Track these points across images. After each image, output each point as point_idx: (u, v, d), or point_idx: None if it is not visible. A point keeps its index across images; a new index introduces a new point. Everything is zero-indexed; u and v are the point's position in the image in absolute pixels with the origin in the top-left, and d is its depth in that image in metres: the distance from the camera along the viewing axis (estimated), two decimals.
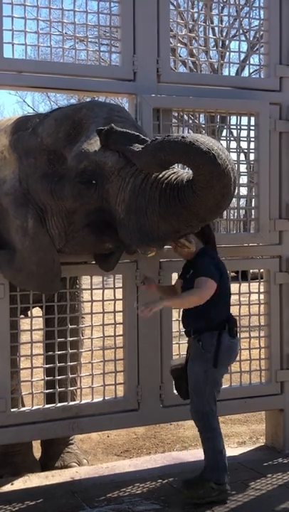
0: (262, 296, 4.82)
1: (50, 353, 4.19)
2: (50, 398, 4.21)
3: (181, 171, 3.44)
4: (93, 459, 5.14)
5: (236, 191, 4.15)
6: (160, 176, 3.39)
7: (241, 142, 4.76)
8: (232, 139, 4.76)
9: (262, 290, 4.81)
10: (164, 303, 3.74)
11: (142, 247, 3.56)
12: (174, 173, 3.40)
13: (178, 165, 3.57)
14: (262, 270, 4.90)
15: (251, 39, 5.15)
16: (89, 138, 3.53)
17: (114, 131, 3.41)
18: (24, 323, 4.42)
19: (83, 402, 4.26)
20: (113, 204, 3.49)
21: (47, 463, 4.77)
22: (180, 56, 5.20)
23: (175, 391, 4.12)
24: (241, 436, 5.62)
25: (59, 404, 4.16)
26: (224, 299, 3.84)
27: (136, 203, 3.41)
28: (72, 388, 4.31)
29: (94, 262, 4.03)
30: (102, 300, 4.32)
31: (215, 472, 3.77)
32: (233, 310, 4.64)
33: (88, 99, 4.63)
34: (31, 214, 3.68)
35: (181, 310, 4.02)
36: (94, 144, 3.50)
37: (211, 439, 3.80)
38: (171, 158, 3.28)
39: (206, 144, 3.14)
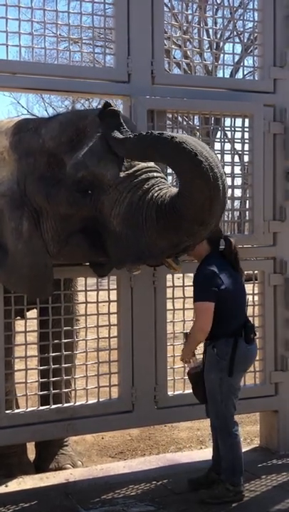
0: (256, 298, 4.82)
1: (45, 354, 4.19)
2: (44, 400, 4.20)
3: (175, 189, 3.43)
4: (88, 460, 5.13)
5: (229, 192, 4.16)
6: (156, 194, 3.39)
7: (235, 144, 4.77)
8: (226, 140, 4.77)
9: (256, 291, 4.82)
10: (187, 348, 3.89)
11: (137, 263, 3.54)
12: (168, 190, 3.41)
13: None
14: (256, 271, 4.91)
15: (245, 41, 5.15)
16: (91, 147, 3.53)
17: (115, 113, 3.44)
18: (18, 325, 4.41)
19: (78, 403, 4.26)
20: (108, 216, 3.48)
21: (41, 465, 4.75)
22: (174, 58, 5.21)
23: (191, 391, 4.06)
24: None
25: (53, 406, 4.15)
26: (235, 306, 3.83)
27: (132, 219, 3.40)
28: (66, 390, 4.31)
29: (88, 264, 4.03)
30: (96, 302, 4.32)
31: (231, 475, 3.80)
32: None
33: (83, 101, 4.62)
34: (26, 217, 3.67)
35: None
36: (95, 155, 3.50)
37: (231, 444, 3.81)
38: (158, 158, 3.35)
39: (190, 145, 3.15)
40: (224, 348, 3.75)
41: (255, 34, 4.95)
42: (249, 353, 3.86)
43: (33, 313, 4.43)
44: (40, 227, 3.69)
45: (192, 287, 3.89)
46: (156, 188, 3.42)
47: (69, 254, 3.76)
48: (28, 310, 4.29)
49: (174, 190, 3.38)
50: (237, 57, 5.51)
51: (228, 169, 4.57)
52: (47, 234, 3.69)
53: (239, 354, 3.76)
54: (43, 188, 3.62)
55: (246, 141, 4.65)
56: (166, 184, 3.52)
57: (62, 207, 3.58)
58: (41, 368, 4.22)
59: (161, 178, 3.54)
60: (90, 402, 4.28)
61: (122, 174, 3.46)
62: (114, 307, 4.34)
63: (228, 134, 4.79)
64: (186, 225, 3.30)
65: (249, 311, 4.78)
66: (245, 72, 17.42)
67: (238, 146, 4.77)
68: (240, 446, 3.87)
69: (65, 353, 4.21)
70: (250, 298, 4.83)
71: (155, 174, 3.51)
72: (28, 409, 4.13)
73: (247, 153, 4.67)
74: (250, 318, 4.75)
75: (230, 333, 3.77)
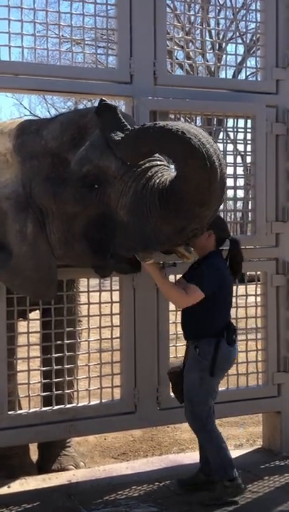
0: (259, 299, 4.82)
1: (48, 355, 4.19)
2: (47, 401, 4.20)
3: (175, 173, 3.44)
4: (90, 461, 5.13)
5: (231, 193, 4.16)
6: (158, 181, 3.39)
7: (238, 145, 4.77)
8: (229, 141, 4.77)
9: (259, 292, 4.82)
10: (157, 273, 3.76)
11: (146, 251, 3.53)
12: (169, 175, 3.41)
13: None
14: (259, 272, 4.91)
15: (248, 42, 5.14)
16: (92, 142, 3.54)
17: (112, 108, 3.46)
18: (21, 326, 4.42)
19: (80, 404, 4.26)
20: (114, 207, 3.49)
21: (44, 465, 4.76)
22: (177, 59, 5.21)
23: (172, 394, 4.12)
24: (238, 438, 5.62)
25: (56, 407, 4.16)
26: (223, 307, 3.82)
27: (138, 207, 3.41)
28: (69, 391, 4.31)
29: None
30: (99, 302, 4.32)
31: (223, 470, 3.78)
32: (230, 312, 4.67)
33: (85, 102, 4.62)
34: (31, 219, 3.68)
35: (180, 312, 4.01)
36: (98, 149, 3.50)
37: (211, 439, 3.80)
38: (147, 149, 3.32)
39: (176, 126, 3.17)
40: (207, 347, 3.74)
41: (258, 35, 4.96)
42: (230, 354, 3.83)
43: (35, 314, 4.43)
44: (46, 229, 3.69)
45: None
46: (159, 175, 3.43)
47: (74, 257, 3.77)
48: (30, 311, 4.29)
49: (174, 174, 3.37)
50: (239, 58, 5.49)
51: (230, 170, 4.57)
52: (53, 235, 3.69)
53: (221, 355, 3.74)
54: (49, 188, 3.62)
55: (248, 142, 4.65)
56: (169, 170, 3.51)
57: (69, 205, 3.59)
58: (44, 368, 4.23)
59: (164, 165, 3.55)
60: (92, 403, 4.28)
61: (125, 166, 3.46)
62: (116, 308, 4.35)
63: (231, 134, 4.79)
64: (186, 208, 3.27)
65: (251, 311, 4.79)
66: (248, 73, 17.54)
67: (240, 147, 4.77)
68: (222, 439, 3.82)
69: (67, 354, 4.21)
70: (252, 299, 4.85)
71: (158, 162, 3.52)
72: (31, 410, 4.13)
73: (249, 154, 4.66)
74: (253, 319, 4.78)
75: (213, 333, 3.76)
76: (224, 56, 5.14)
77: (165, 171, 3.48)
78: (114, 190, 3.47)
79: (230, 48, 26.86)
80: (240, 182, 5.07)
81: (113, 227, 3.54)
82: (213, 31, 18.31)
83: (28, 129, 3.78)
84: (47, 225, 3.69)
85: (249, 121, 4.64)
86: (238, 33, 8.65)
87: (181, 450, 5.33)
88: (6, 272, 3.79)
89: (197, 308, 3.72)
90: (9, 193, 3.72)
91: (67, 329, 4.24)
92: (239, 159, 4.87)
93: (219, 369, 3.77)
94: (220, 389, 4.52)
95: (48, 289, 3.82)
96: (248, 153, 4.68)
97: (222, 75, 7.33)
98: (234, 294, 4.67)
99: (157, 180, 3.40)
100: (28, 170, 3.70)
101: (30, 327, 4.22)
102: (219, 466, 3.78)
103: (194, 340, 3.81)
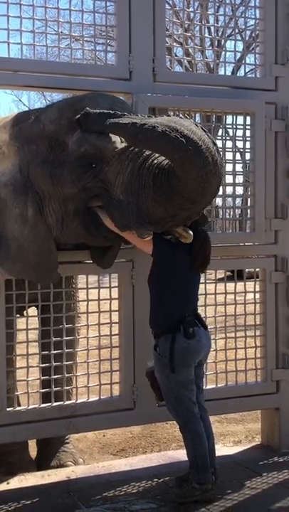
0: (257, 296, 4.82)
1: (46, 352, 4.20)
2: (46, 397, 4.21)
3: None
4: (89, 458, 5.13)
5: (230, 190, 4.15)
6: (155, 161, 3.43)
7: (237, 141, 4.76)
8: (228, 138, 4.77)
9: (257, 289, 4.82)
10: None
11: (141, 229, 3.56)
12: None
13: None
14: (257, 269, 4.91)
15: (247, 38, 5.13)
16: None
17: (91, 113, 3.48)
18: (20, 323, 4.42)
19: (79, 401, 4.26)
20: (112, 186, 3.54)
21: (43, 462, 4.76)
22: (176, 55, 5.17)
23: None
24: (237, 435, 5.62)
25: (55, 404, 4.16)
26: (174, 300, 3.73)
27: (134, 186, 3.46)
28: (68, 387, 4.31)
29: (89, 262, 4.04)
30: (97, 299, 4.32)
31: (196, 473, 3.75)
32: (229, 309, 4.67)
33: None
34: (31, 202, 3.72)
35: None
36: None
37: (191, 440, 3.76)
38: (146, 147, 3.38)
39: (175, 132, 3.16)
40: (164, 345, 3.70)
41: (257, 32, 4.95)
42: (190, 347, 3.70)
43: (32, 311, 4.43)
44: (44, 211, 3.73)
45: None
46: (156, 155, 3.45)
47: (69, 235, 3.80)
48: (28, 307, 4.30)
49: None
50: (238, 55, 5.49)
51: (229, 167, 4.58)
52: (50, 217, 3.74)
53: (177, 349, 3.66)
54: (47, 170, 3.68)
55: (248, 138, 4.65)
56: None
57: (66, 186, 3.64)
58: (42, 365, 4.23)
59: None
60: (91, 399, 4.28)
61: (123, 145, 3.51)
62: (115, 305, 4.35)
63: (230, 131, 4.78)
64: (179, 201, 3.36)
65: (250, 308, 4.79)
66: (247, 70, 17.46)
67: (239, 144, 4.76)
68: (203, 442, 3.75)
69: (66, 350, 4.21)
70: (251, 296, 4.85)
71: None
72: (30, 407, 4.14)
73: (248, 151, 4.66)
74: (252, 316, 4.78)
75: (167, 328, 3.71)
76: (223, 53, 5.16)
77: None
78: (112, 169, 3.53)
79: (229, 44, 26.62)
80: (240, 179, 5.06)
81: (109, 205, 3.57)
82: (212, 28, 18.26)
83: (24, 118, 3.84)
84: (44, 208, 3.75)
85: (248, 118, 4.63)
86: (237, 30, 8.64)
87: (179, 446, 5.32)
88: (7, 260, 3.80)
89: (151, 302, 3.81)
90: (7, 180, 3.77)
91: (66, 326, 4.24)
92: (238, 156, 4.86)
93: (180, 365, 3.67)
94: (218, 386, 4.56)
95: (51, 273, 3.85)
96: (247, 150, 4.67)
97: (221, 72, 7.31)
98: (232, 291, 4.70)
99: (155, 161, 3.43)
100: (26, 154, 3.75)
101: (28, 324, 4.22)
102: (193, 468, 3.76)
103: (155, 340, 3.79)
